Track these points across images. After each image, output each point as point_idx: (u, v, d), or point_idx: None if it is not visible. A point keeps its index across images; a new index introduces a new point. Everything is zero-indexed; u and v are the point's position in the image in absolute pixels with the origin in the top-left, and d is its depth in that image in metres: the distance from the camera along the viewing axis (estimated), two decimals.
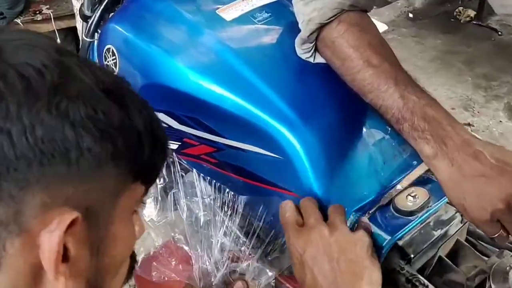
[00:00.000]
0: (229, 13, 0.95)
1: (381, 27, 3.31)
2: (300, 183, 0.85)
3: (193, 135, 0.93)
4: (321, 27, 0.86)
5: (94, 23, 1.26)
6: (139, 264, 1.07)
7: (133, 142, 0.52)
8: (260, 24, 0.94)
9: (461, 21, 3.96)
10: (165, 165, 1.00)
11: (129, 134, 0.51)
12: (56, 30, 3.05)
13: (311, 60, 0.90)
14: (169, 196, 1.00)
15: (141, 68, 0.96)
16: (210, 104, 0.88)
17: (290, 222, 0.80)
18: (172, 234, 1.04)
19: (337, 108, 0.89)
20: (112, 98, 0.50)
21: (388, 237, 0.81)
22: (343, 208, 0.81)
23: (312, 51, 0.90)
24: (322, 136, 0.85)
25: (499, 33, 3.81)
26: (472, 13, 3.93)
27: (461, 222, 0.88)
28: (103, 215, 0.51)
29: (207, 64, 0.91)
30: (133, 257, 0.61)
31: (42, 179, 0.45)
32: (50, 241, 0.46)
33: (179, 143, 0.97)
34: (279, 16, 0.97)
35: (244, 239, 0.94)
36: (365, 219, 0.83)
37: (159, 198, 1.00)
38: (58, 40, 3.09)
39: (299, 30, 0.89)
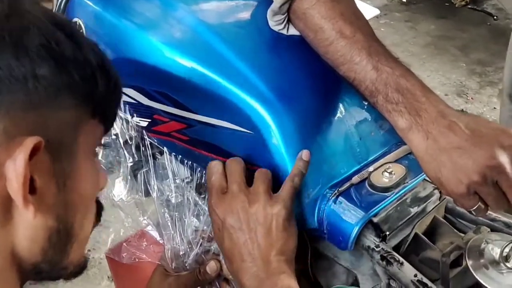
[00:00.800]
0: None
1: (373, 11, 3.32)
2: (272, 160, 0.86)
3: (164, 111, 0.94)
4: None
5: (64, 0, 1.27)
6: (108, 245, 1.08)
7: (87, 76, 0.56)
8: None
9: (456, 6, 3.98)
10: (134, 143, 1.01)
11: (83, 67, 0.55)
12: None
13: (284, 32, 0.91)
14: (138, 176, 1.01)
15: (109, 42, 0.96)
16: (181, 78, 0.88)
17: (214, 186, 0.84)
18: (140, 218, 1.05)
19: (312, 82, 0.90)
20: (64, 33, 0.54)
21: (362, 213, 0.82)
22: (268, 174, 0.84)
23: (284, 22, 0.90)
24: (295, 111, 0.86)
25: (495, 17, 3.84)
26: None
27: (439, 199, 0.90)
28: (65, 148, 0.55)
29: (178, 37, 0.91)
30: (99, 204, 0.66)
31: (2, 106, 0.49)
32: (15, 167, 0.49)
33: (149, 120, 0.97)
34: None
35: None
36: None
37: (129, 177, 1.01)
38: None
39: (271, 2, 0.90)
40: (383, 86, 0.79)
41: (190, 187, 0.97)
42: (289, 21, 0.91)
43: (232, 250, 0.81)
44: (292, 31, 0.91)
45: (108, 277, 2.04)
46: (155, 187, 0.98)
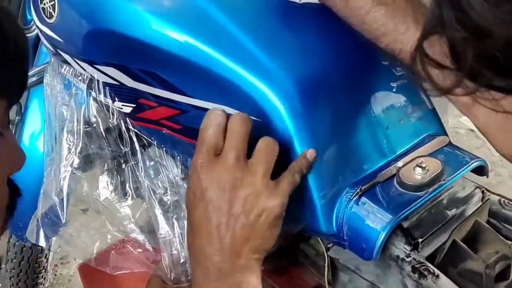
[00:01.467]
0: None
1: None
2: (283, 152, 0.87)
3: (151, 94, 0.95)
4: None
5: None
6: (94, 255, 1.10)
7: None
8: None
9: None
10: (116, 134, 1.03)
11: None
12: None
13: (297, 0, 0.92)
14: (126, 171, 1.03)
15: (87, 12, 0.97)
16: (172, 54, 0.89)
17: (208, 143, 0.83)
18: (127, 222, 1.07)
19: (331, 60, 0.91)
20: None
21: (390, 217, 0.84)
22: (275, 149, 0.83)
23: None
24: (310, 95, 0.87)
25: None
26: None
27: (481, 201, 0.92)
28: None
29: (169, 5, 0.93)
30: (15, 190, 0.68)
31: None
32: None
33: (134, 105, 0.98)
34: None
35: None
36: None
37: (115, 173, 1.02)
38: None
39: None
40: None
41: (186, 184, 0.98)
42: None
43: (200, 225, 0.82)
44: None
45: None
46: (146, 185, 1.00)
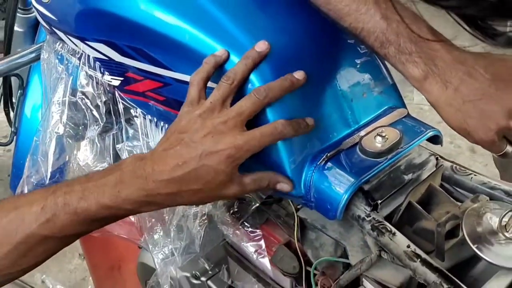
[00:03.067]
0: None
1: None
2: (256, 119, 0.85)
3: (137, 68, 0.93)
4: None
5: None
6: None
7: None
8: None
9: None
10: (102, 103, 1.01)
11: None
12: None
13: None
14: (106, 138, 1.01)
15: None
16: (157, 32, 0.88)
17: (194, 86, 0.82)
18: None
19: (301, 38, 0.89)
20: None
21: (352, 180, 0.82)
22: (258, 100, 0.80)
23: None
24: (282, 69, 0.85)
25: None
26: None
27: (435, 167, 0.90)
28: None
29: None
30: None
31: None
32: None
33: (122, 79, 0.96)
34: None
35: None
36: None
37: (96, 141, 1.00)
38: None
39: None
40: (394, 36, 0.79)
41: None
42: None
43: (165, 152, 0.79)
44: None
45: (79, 254, 2.04)
46: (125, 149, 0.98)
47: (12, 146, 1.58)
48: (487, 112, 0.75)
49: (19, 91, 1.54)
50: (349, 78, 0.91)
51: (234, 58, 0.84)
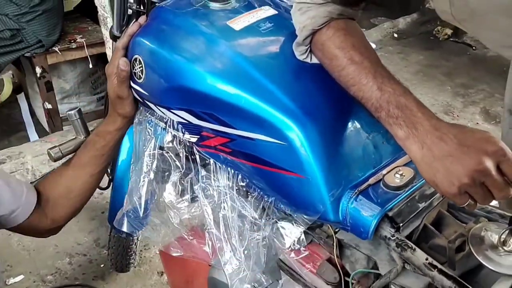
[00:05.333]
0: (238, 24, 0.98)
1: None
2: (301, 165, 0.87)
3: (210, 128, 0.95)
4: (314, 32, 0.89)
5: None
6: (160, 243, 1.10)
7: None
8: (265, 33, 0.97)
9: (440, 39, 3.99)
10: (183, 156, 1.03)
11: None
12: (88, 56, 3.09)
13: (308, 60, 0.93)
14: (185, 181, 1.03)
15: (164, 73, 0.98)
16: (224, 101, 0.91)
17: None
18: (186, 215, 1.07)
19: (332, 101, 0.92)
20: None
21: (379, 209, 0.83)
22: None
23: (307, 53, 0.93)
24: (320, 125, 0.88)
25: (473, 48, 3.84)
26: (449, 31, 3.96)
27: (442, 196, 0.90)
28: None
29: (221, 67, 0.93)
30: None
31: None
32: None
33: (198, 136, 0.99)
34: (280, 26, 1.00)
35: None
36: None
37: (178, 184, 1.02)
38: (91, 65, 3.14)
39: (296, 36, 0.92)
40: (386, 103, 0.80)
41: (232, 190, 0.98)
42: (311, 51, 0.93)
43: None
44: (315, 60, 0.93)
45: (157, 272, 2.04)
46: (200, 186, 1.00)
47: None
48: (451, 170, 0.72)
49: None
50: (371, 130, 0.92)
51: (281, 117, 0.86)
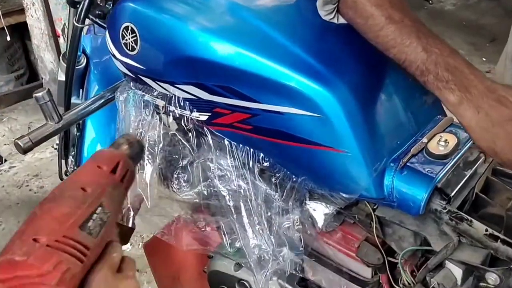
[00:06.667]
0: None
1: None
2: (340, 139, 0.86)
3: (226, 104, 0.92)
4: None
5: (84, 8, 1.22)
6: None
7: None
8: None
9: None
10: (192, 136, 1.00)
11: None
12: (4, 26, 2.91)
13: (334, 21, 0.91)
14: (195, 165, 1.00)
15: (166, 42, 0.93)
16: (244, 71, 0.87)
17: None
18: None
19: (365, 64, 0.91)
20: None
21: (429, 180, 0.84)
22: None
23: (334, 12, 0.91)
24: (355, 91, 0.86)
25: (430, 2, 3.95)
26: None
27: (484, 162, 0.93)
28: None
29: (238, 31, 0.90)
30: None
31: None
32: None
33: (209, 114, 0.95)
34: None
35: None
36: None
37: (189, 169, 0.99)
38: (8, 38, 2.96)
39: None
40: (433, 66, 0.80)
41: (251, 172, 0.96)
42: (337, 10, 0.91)
43: None
44: (342, 20, 0.91)
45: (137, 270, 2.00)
46: (215, 175, 0.97)
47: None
48: None
49: (77, 134, 1.51)
50: (406, 95, 0.92)
51: (314, 86, 0.85)
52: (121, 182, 0.67)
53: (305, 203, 0.96)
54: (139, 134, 1.03)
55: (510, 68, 1.35)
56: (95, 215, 0.60)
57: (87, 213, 0.59)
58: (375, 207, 0.94)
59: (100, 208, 0.61)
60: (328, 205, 0.95)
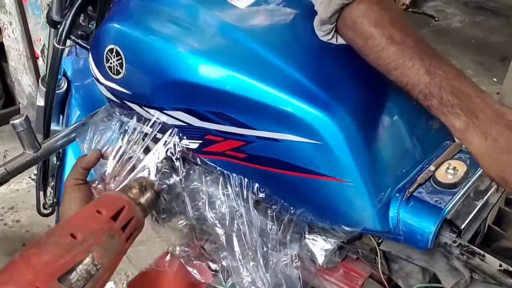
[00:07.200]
0: (241, 1, 0.96)
1: None
2: (340, 167, 0.86)
3: (217, 130, 0.92)
4: (342, 7, 0.89)
5: (66, 28, 1.23)
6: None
7: None
8: (276, 10, 0.96)
9: None
10: (181, 166, 1.00)
11: None
12: None
13: (333, 41, 0.92)
14: (184, 197, 1.00)
15: (154, 65, 0.94)
16: (237, 95, 0.88)
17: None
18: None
19: (366, 86, 0.92)
20: None
21: (438, 212, 0.84)
22: None
23: (333, 32, 0.92)
24: (357, 116, 0.87)
25: (436, 19, 4.01)
26: (407, 0, 4.12)
27: (496, 191, 0.93)
28: None
29: (230, 53, 0.90)
30: None
31: None
32: None
33: (201, 141, 0.96)
34: (292, 1, 0.98)
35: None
36: None
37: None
38: None
39: (316, 13, 0.91)
40: (437, 89, 0.80)
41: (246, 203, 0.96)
42: (336, 30, 0.92)
43: None
44: (341, 40, 0.92)
45: None
46: (206, 205, 0.97)
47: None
48: None
49: (56, 163, 1.50)
50: (411, 119, 0.93)
51: (312, 110, 0.85)
52: (121, 231, 0.63)
53: (304, 237, 0.96)
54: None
55: None
56: (80, 266, 0.56)
57: (71, 263, 0.55)
58: (380, 241, 0.94)
59: (89, 259, 0.57)
60: (329, 239, 0.95)
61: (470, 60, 3.52)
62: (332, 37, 0.92)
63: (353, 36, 0.89)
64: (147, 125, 1.00)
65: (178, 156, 0.98)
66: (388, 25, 0.86)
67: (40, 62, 2.85)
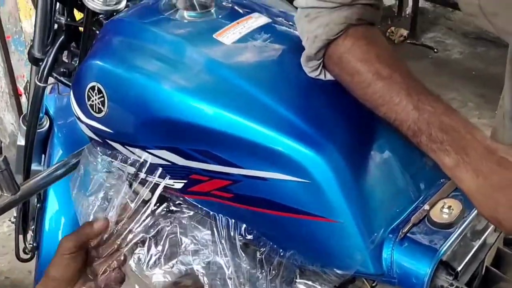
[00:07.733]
0: (227, 37, 0.98)
1: None
2: (331, 207, 0.87)
3: (203, 169, 0.93)
4: (328, 43, 0.91)
5: (48, 66, 1.26)
6: None
7: None
8: (263, 46, 0.98)
9: (395, 42, 4.18)
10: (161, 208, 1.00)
11: None
12: None
13: (321, 77, 0.94)
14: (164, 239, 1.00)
15: (137, 103, 0.95)
16: (223, 133, 0.89)
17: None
18: None
19: (357, 123, 0.93)
20: None
21: (433, 253, 0.84)
22: None
23: (320, 68, 0.94)
24: (347, 154, 0.88)
25: (435, 50, 4.06)
26: (405, 32, 4.17)
27: (494, 231, 0.94)
28: None
29: (216, 91, 0.92)
30: None
31: None
32: None
33: (185, 181, 0.97)
34: (279, 36, 1.00)
35: None
36: None
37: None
38: None
39: (304, 48, 0.93)
40: (425, 125, 0.81)
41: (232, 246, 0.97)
42: (323, 66, 0.94)
43: None
44: (329, 76, 0.94)
45: None
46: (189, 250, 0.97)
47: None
48: None
49: (37, 205, 1.50)
50: (404, 157, 0.94)
51: (301, 148, 0.86)
52: None
53: (295, 282, 0.96)
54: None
55: (510, 128, 1.37)
56: None
57: None
58: (374, 285, 0.94)
59: None
60: (320, 284, 0.95)
61: (471, 92, 3.55)
62: (320, 73, 0.94)
63: (340, 72, 0.91)
64: (130, 165, 1.01)
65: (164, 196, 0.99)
66: (374, 60, 0.88)
67: (23, 99, 2.86)
